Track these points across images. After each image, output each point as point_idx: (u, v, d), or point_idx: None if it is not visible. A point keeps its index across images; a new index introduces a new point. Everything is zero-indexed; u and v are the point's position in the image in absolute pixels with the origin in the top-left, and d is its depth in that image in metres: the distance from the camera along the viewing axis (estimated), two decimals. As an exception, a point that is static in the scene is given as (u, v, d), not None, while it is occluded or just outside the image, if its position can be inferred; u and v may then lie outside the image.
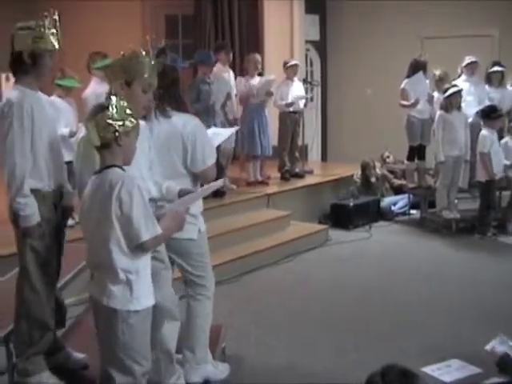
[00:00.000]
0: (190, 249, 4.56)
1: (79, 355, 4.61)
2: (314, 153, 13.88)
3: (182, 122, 4.40)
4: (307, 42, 13.57)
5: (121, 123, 3.35)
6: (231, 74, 9.57)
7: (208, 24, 11.68)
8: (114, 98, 3.39)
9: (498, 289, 6.95)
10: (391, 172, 11.48)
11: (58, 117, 5.15)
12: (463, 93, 9.25)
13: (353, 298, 6.79)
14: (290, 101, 9.94)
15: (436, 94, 9.80)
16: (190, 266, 4.62)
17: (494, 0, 12.12)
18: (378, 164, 11.24)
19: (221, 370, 4.84)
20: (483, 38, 12.28)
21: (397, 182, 11.20)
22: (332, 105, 14.52)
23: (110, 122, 3.32)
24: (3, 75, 8.51)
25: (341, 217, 9.82)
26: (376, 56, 13.43)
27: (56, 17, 4.16)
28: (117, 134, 3.34)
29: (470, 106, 9.91)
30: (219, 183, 4.21)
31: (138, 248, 3.38)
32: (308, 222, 9.45)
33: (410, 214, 10.45)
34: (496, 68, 10.40)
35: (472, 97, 10.11)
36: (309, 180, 10.39)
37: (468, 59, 10.31)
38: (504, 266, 7.78)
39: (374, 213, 10.17)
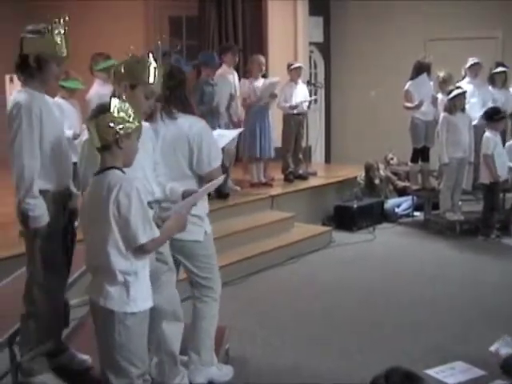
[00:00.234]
0: (196, 250, 4.56)
1: (83, 356, 4.62)
2: (318, 154, 13.88)
3: (188, 123, 4.39)
4: (311, 43, 13.58)
5: (122, 126, 3.35)
6: (235, 75, 9.56)
7: (212, 26, 11.69)
8: (115, 100, 3.39)
9: (502, 290, 6.94)
10: (395, 174, 11.46)
11: (62, 119, 5.16)
12: (467, 95, 9.25)
13: (357, 299, 6.79)
14: (293, 103, 9.95)
15: (440, 96, 9.80)
16: (195, 267, 4.61)
17: (498, 1, 12.12)
18: (381, 166, 11.22)
19: (225, 373, 4.84)
20: (487, 39, 12.28)
21: (400, 183, 11.19)
22: (336, 107, 14.52)
23: (110, 124, 3.32)
24: (7, 76, 8.53)
25: (344, 218, 9.81)
26: (380, 58, 13.43)
27: (65, 23, 4.15)
28: (117, 136, 3.34)
29: (474, 108, 9.93)
30: (219, 180, 4.19)
31: (137, 250, 3.38)
32: (312, 224, 9.44)
33: (413, 215, 10.44)
34: (500, 69, 10.42)
35: (476, 99, 10.13)
36: (312, 182, 10.40)
37: (471, 61, 10.33)
38: (508, 267, 7.77)
39: (377, 215, 10.16)
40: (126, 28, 11.69)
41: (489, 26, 12.40)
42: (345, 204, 10.08)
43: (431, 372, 4.94)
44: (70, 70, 7.29)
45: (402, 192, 10.98)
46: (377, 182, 10.80)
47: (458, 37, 12.27)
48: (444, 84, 9.80)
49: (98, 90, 7.56)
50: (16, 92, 4.24)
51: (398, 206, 10.51)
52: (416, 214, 10.44)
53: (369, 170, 10.80)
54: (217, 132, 5.21)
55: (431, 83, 9.77)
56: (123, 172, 3.42)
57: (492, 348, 5.09)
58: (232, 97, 9.14)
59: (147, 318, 3.56)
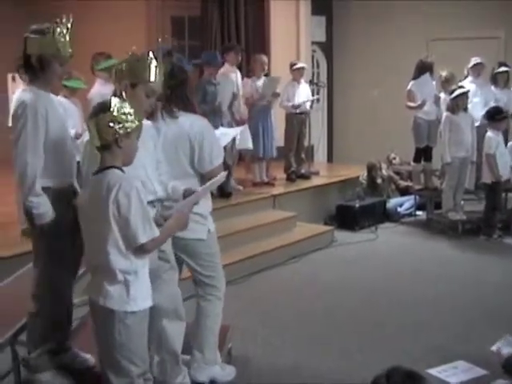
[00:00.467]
0: (199, 249, 4.56)
1: (85, 355, 4.62)
2: (320, 154, 13.89)
3: (190, 122, 4.39)
4: (313, 43, 13.59)
5: (121, 125, 3.34)
6: (238, 74, 9.56)
7: (214, 25, 11.69)
8: (115, 99, 3.39)
9: (504, 290, 6.93)
10: (397, 173, 11.47)
11: (66, 117, 5.17)
12: (469, 94, 9.24)
13: (358, 299, 6.79)
14: (296, 103, 9.95)
15: (442, 96, 9.79)
16: (199, 266, 4.61)
17: (500, 1, 12.12)
18: (384, 165, 11.23)
19: (227, 373, 4.84)
20: (489, 39, 12.29)
21: (403, 183, 11.20)
22: (338, 106, 14.52)
23: (110, 124, 3.32)
24: (9, 75, 8.53)
25: (347, 218, 9.82)
26: (382, 57, 13.44)
27: (69, 23, 4.15)
28: (117, 135, 3.34)
29: (477, 108, 9.93)
30: (221, 178, 4.18)
31: (137, 250, 3.39)
32: (314, 223, 9.45)
33: (416, 215, 10.45)
34: (502, 68, 10.41)
35: (478, 98, 10.13)
36: (315, 181, 10.40)
37: (474, 60, 10.32)
38: (510, 267, 7.77)
39: (379, 214, 10.17)
40: (127, 28, 11.68)
41: (491, 26, 12.40)
42: (347, 203, 10.09)
43: (433, 371, 4.93)
44: (73, 70, 7.30)
45: (404, 191, 10.98)
46: (379, 181, 10.80)
47: (460, 37, 12.27)
48: (446, 83, 9.79)
49: (100, 90, 7.56)
50: (21, 91, 4.25)
51: (401, 206, 10.51)
52: (418, 213, 10.44)
53: (371, 169, 10.80)
54: (219, 131, 5.22)
55: (434, 83, 9.77)
56: (123, 171, 3.42)
57: (494, 347, 5.10)
58: (235, 96, 9.14)
59: (147, 316, 3.56)
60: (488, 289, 7.01)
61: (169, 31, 12.31)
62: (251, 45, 11.81)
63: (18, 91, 4.26)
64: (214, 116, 8.25)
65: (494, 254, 8.33)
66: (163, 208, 3.92)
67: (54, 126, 4.16)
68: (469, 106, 9.31)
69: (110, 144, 3.36)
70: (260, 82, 9.50)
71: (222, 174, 4.15)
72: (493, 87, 10.45)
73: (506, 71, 10.45)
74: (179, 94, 4.40)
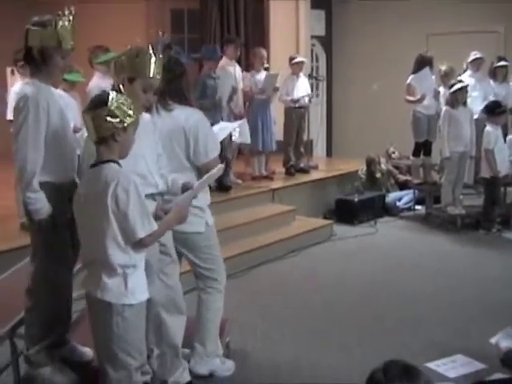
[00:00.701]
0: (197, 242, 4.57)
1: (84, 349, 4.62)
2: (319, 148, 13.88)
3: (185, 115, 4.39)
4: (313, 37, 13.58)
5: (118, 120, 3.32)
6: (237, 68, 9.54)
7: (214, 18, 11.68)
8: (112, 93, 3.37)
9: (503, 284, 6.94)
10: (396, 167, 11.47)
11: (67, 110, 5.16)
12: (468, 88, 9.22)
13: (357, 293, 6.79)
14: (295, 97, 9.94)
15: (442, 90, 9.78)
16: (198, 259, 4.63)
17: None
18: (383, 159, 11.23)
19: (227, 367, 4.85)
20: (488, 34, 12.27)
21: (402, 177, 11.20)
22: (337, 100, 14.52)
23: (107, 118, 3.30)
24: (8, 69, 8.51)
25: (346, 212, 9.82)
26: (382, 51, 13.43)
27: (71, 16, 4.13)
28: (114, 130, 3.33)
29: (476, 102, 9.93)
30: (219, 170, 4.17)
31: (136, 244, 3.39)
32: (313, 217, 9.45)
33: (415, 209, 10.44)
34: (502, 63, 10.40)
35: (477, 92, 10.13)
36: (314, 175, 10.40)
37: (474, 55, 10.32)
38: (509, 261, 7.77)
39: (378, 208, 10.17)
40: (127, 21, 11.66)
41: (491, 21, 12.38)
42: (346, 197, 10.09)
43: (431, 365, 4.93)
44: (74, 63, 7.28)
45: (403, 186, 10.98)
46: (378, 175, 10.81)
47: (460, 31, 12.26)
48: (446, 77, 9.78)
49: (98, 83, 7.54)
50: (23, 84, 4.22)
51: (400, 200, 10.51)
52: (417, 207, 10.44)
53: (370, 163, 10.80)
54: (218, 126, 5.21)
55: (433, 77, 9.76)
56: (119, 165, 3.41)
57: (492, 340, 5.11)
58: (234, 89, 9.12)
59: (144, 309, 3.57)
60: (487, 283, 7.01)
61: (168, 24, 12.32)
62: (250, 38, 11.81)
63: (18, 84, 4.25)
64: (215, 110, 8.24)
65: (493, 249, 8.33)
66: (164, 201, 3.92)
67: (55, 120, 4.13)
68: (468, 100, 9.31)
69: (107, 138, 3.35)
70: (259, 76, 9.49)
71: (220, 167, 4.14)
72: (491, 81, 10.44)
73: (505, 65, 10.44)
74: (175, 88, 4.39)
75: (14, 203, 6.14)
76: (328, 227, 9.15)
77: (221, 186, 8.53)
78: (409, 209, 10.47)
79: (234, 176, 9.32)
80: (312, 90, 10.75)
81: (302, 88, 10.12)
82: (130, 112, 3.38)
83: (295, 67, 10.05)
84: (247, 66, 10.30)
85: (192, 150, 4.40)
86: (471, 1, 12.38)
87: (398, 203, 10.44)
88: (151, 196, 3.91)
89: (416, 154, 10.13)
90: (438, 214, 9.58)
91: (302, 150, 10.41)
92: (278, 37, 12.22)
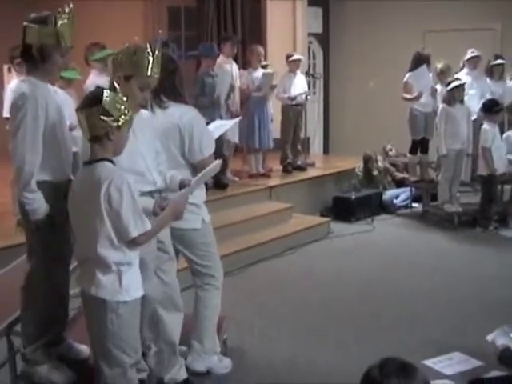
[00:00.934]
0: (194, 239, 4.58)
1: (80, 346, 4.62)
2: (316, 145, 13.89)
3: (179, 112, 4.39)
4: (310, 34, 13.58)
5: (112, 118, 3.30)
6: (234, 65, 9.52)
7: (211, 16, 11.65)
8: (106, 92, 3.33)
9: (500, 282, 6.95)
10: (393, 165, 11.48)
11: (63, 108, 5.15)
12: (465, 86, 9.23)
13: (355, 290, 6.80)
14: (292, 94, 9.93)
15: (439, 87, 9.78)
16: (195, 255, 4.63)
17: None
18: (380, 157, 11.23)
19: (225, 365, 4.85)
20: (485, 31, 12.28)
21: (399, 175, 11.21)
22: (334, 98, 14.52)
23: (101, 117, 3.27)
24: (5, 66, 8.50)
25: (343, 209, 9.82)
26: (379, 49, 13.43)
27: (70, 13, 4.10)
28: (108, 129, 3.31)
29: (473, 100, 9.92)
30: (214, 167, 4.16)
31: (130, 243, 3.39)
32: (310, 215, 9.46)
33: (412, 207, 10.45)
34: (499, 61, 10.40)
35: (474, 90, 10.12)
36: (311, 173, 10.39)
37: (471, 53, 10.30)
38: (505, 259, 7.78)
39: (376, 206, 10.18)
40: (124, 18, 11.64)
41: (488, 18, 12.39)
42: (343, 195, 10.09)
43: (428, 363, 4.94)
44: (70, 60, 7.26)
45: (400, 183, 10.99)
46: (375, 173, 10.81)
47: (457, 28, 12.26)
48: (442, 75, 9.79)
49: (95, 80, 7.51)
50: (19, 81, 4.20)
51: (397, 198, 10.51)
52: (414, 205, 10.45)
53: (367, 161, 10.80)
54: (214, 124, 5.20)
55: (430, 75, 9.76)
56: (113, 163, 3.40)
57: (489, 337, 5.12)
58: (232, 87, 9.11)
59: (139, 306, 3.56)
60: (484, 280, 7.02)
61: (165, 22, 12.29)
62: (247, 36, 11.79)
63: (14, 81, 4.22)
64: (213, 108, 8.24)
65: (489, 246, 8.34)
66: (161, 198, 3.91)
67: (52, 117, 4.10)
68: (465, 98, 9.31)
69: (101, 137, 3.34)
70: (256, 74, 9.48)
71: (216, 163, 4.13)
72: (488, 79, 10.44)
73: (502, 64, 10.43)
74: (169, 85, 4.38)
75: (10, 200, 6.12)
76: (325, 225, 9.16)
77: (218, 184, 8.53)
78: (406, 206, 10.47)
79: (230, 173, 9.31)
80: (309, 88, 10.75)
81: (299, 86, 10.12)
82: (125, 110, 3.36)
83: (292, 65, 10.05)
84: (244, 63, 10.28)
85: (187, 147, 4.40)
86: (468, -2, 12.41)
87: (394, 201, 10.45)
88: (149, 193, 3.91)
89: (413, 151, 10.13)
90: (435, 212, 9.59)
91: (299, 147, 10.41)
92: (275, 34, 12.20)
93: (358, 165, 10.86)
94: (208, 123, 4.89)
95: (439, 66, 9.87)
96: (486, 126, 8.94)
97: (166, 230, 4.05)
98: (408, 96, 9.67)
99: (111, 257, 3.36)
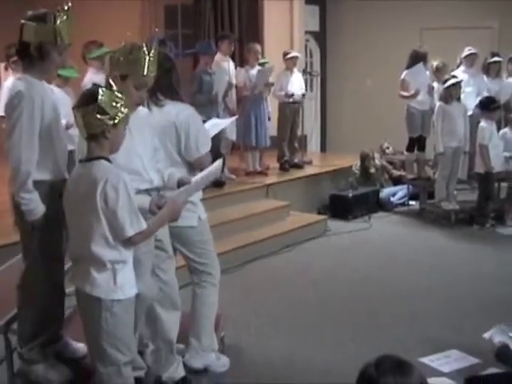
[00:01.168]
0: (191, 236, 4.58)
1: (77, 344, 4.61)
2: (313, 143, 13.88)
3: (176, 110, 4.39)
4: (307, 32, 13.56)
5: (108, 117, 3.29)
6: (231, 63, 9.52)
7: (207, 14, 11.64)
8: (101, 90, 3.31)
9: (497, 280, 6.95)
10: (390, 163, 11.47)
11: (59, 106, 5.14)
12: (462, 84, 9.23)
13: (352, 288, 6.79)
14: (289, 92, 9.93)
15: (436, 85, 9.78)
16: (192, 253, 4.64)
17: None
18: (377, 155, 11.24)
19: (222, 363, 4.85)
20: (482, 29, 12.29)
21: (396, 172, 11.21)
22: (331, 95, 14.51)
23: (97, 116, 3.27)
24: (2, 65, 8.49)
25: (340, 207, 9.83)
26: (376, 47, 13.43)
27: (69, 10, 4.08)
28: (104, 127, 3.30)
29: (469, 97, 9.91)
30: (216, 169, 4.16)
31: (125, 242, 3.39)
32: (307, 213, 9.45)
33: (409, 204, 10.45)
34: (495, 58, 10.39)
35: (471, 88, 10.11)
36: (308, 170, 10.40)
37: (468, 50, 10.30)
38: (502, 256, 7.79)
39: (373, 203, 10.18)
40: (121, 16, 11.65)
41: (485, 16, 12.39)
42: (340, 193, 10.09)
43: (426, 360, 4.95)
44: (67, 59, 7.25)
45: (397, 181, 10.99)
46: (372, 170, 10.81)
47: (454, 26, 12.26)
48: (438, 73, 9.77)
49: (92, 78, 7.50)
50: (15, 79, 4.18)
51: (394, 195, 10.51)
52: (411, 203, 10.45)
53: (364, 158, 10.81)
54: (210, 122, 5.20)
55: (427, 72, 9.76)
56: (110, 161, 3.39)
57: (486, 334, 5.13)
58: (230, 85, 9.11)
59: (133, 304, 3.55)
60: (481, 278, 7.02)
61: (162, 20, 12.29)
62: (244, 34, 11.77)
63: (10, 79, 4.19)
64: (211, 106, 8.24)
65: (487, 244, 8.35)
66: (159, 197, 3.91)
67: (48, 116, 4.08)
68: (462, 95, 9.31)
69: (97, 135, 3.33)
70: (254, 72, 9.48)
71: (217, 165, 4.14)
72: (485, 77, 10.44)
73: (499, 61, 10.43)
74: (165, 83, 4.38)
75: (8, 198, 6.11)
76: (322, 222, 9.16)
77: (215, 182, 8.49)
78: (403, 204, 10.48)
79: (228, 171, 9.30)
80: (306, 86, 10.74)
81: (295, 83, 10.12)
82: (121, 107, 3.35)
83: (289, 62, 10.05)
84: (241, 61, 10.27)
85: (183, 145, 4.41)
86: (465, -4, 12.41)
87: (392, 198, 10.45)
88: (146, 191, 3.90)
89: (410, 149, 10.14)
90: (432, 210, 9.60)
91: (296, 145, 10.41)
92: (272, 32, 12.19)
93: (355, 163, 10.86)
94: (205, 121, 4.89)
95: (435, 63, 9.86)
96: (483, 123, 8.94)
97: (164, 229, 4.05)
98: (405, 94, 9.68)
99: (106, 255, 3.36)
